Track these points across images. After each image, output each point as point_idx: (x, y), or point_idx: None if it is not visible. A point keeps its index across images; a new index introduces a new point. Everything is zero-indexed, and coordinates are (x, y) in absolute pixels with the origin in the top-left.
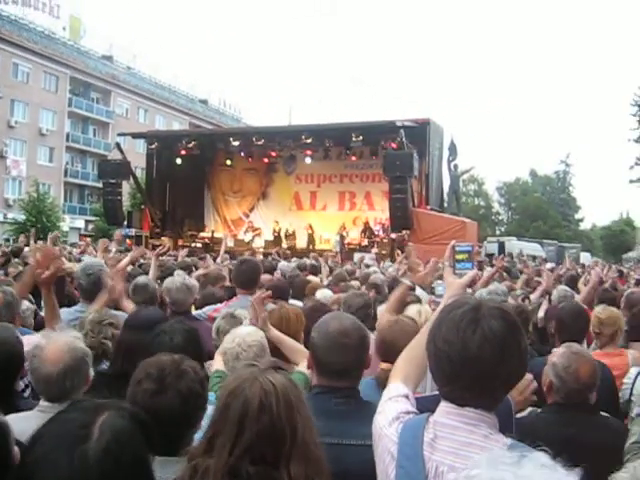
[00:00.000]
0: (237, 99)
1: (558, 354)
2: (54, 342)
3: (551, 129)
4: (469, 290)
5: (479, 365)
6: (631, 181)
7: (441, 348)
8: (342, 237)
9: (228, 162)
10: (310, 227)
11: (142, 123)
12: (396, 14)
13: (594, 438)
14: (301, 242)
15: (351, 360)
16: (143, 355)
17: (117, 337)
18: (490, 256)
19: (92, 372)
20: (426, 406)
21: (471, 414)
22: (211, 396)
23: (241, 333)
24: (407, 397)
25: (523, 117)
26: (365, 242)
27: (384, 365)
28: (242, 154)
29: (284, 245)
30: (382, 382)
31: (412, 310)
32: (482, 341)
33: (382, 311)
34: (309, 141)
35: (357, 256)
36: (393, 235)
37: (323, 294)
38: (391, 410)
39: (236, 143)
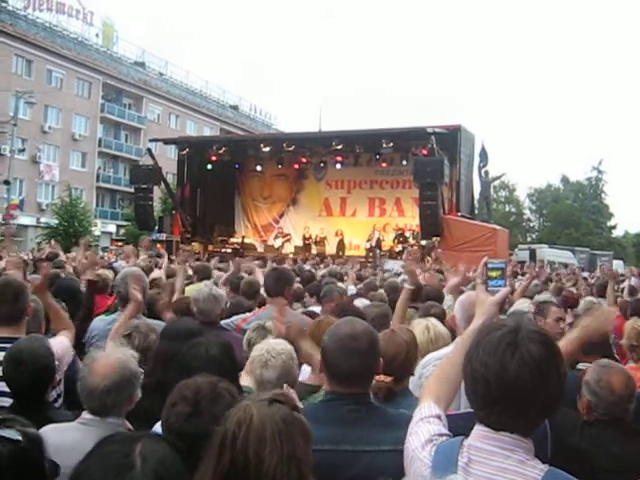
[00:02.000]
0: (268, 105)
1: (589, 371)
2: (107, 357)
3: (583, 135)
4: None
5: (517, 390)
6: None
7: (478, 370)
8: (379, 241)
9: (258, 168)
10: (341, 233)
11: (173, 129)
12: (423, 19)
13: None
14: (331, 248)
15: (360, 365)
16: (178, 366)
17: (155, 346)
18: (522, 263)
19: (139, 393)
20: (459, 424)
21: (507, 439)
22: None
23: (270, 342)
24: (440, 418)
25: (555, 123)
26: (399, 248)
27: (379, 377)
28: (272, 160)
29: (313, 251)
30: (374, 393)
31: (419, 327)
32: (521, 365)
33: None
34: (339, 147)
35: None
36: (423, 242)
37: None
38: (424, 432)
39: (266, 149)
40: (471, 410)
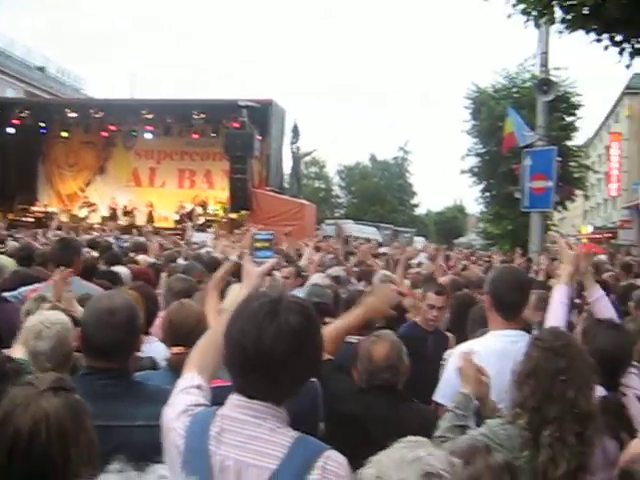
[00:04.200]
0: (78, 69)
1: (360, 341)
2: None
3: (392, 116)
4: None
5: (272, 357)
6: (462, 171)
7: (236, 337)
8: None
9: (64, 134)
10: (151, 205)
11: None
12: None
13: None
14: (141, 219)
15: (117, 339)
16: None
17: None
18: (329, 238)
19: None
20: (223, 396)
21: (260, 407)
22: None
23: (45, 312)
24: (200, 388)
25: (366, 103)
26: (202, 220)
27: (175, 349)
28: (79, 126)
29: (121, 222)
30: (173, 365)
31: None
32: (277, 333)
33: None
34: (150, 116)
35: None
36: (233, 215)
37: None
38: (180, 403)
39: (73, 115)
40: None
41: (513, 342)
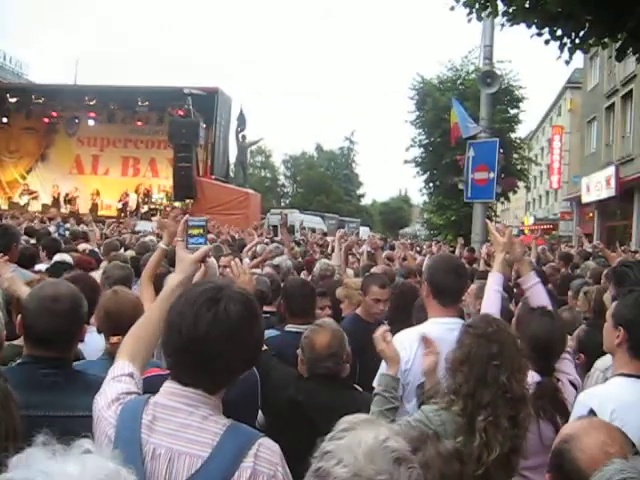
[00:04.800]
0: (21, 54)
1: (306, 331)
2: None
3: (338, 107)
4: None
5: (205, 344)
6: (405, 161)
7: (174, 320)
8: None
9: (4, 120)
10: (96, 192)
11: None
12: None
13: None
14: (83, 208)
15: (59, 327)
16: None
17: None
18: (275, 227)
19: None
20: (157, 385)
21: (192, 395)
22: None
23: None
24: (132, 376)
25: (312, 93)
26: (145, 209)
27: (114, 338)
28: (20, 112)
29: (64, 210)
30: (111, 354)
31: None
32: (213, 320)
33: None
34: (93, 103)
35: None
36: (177, 203)
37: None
38: (112, 391)
39: (13, 100)
40: (169, 371)
41: (450, 330)
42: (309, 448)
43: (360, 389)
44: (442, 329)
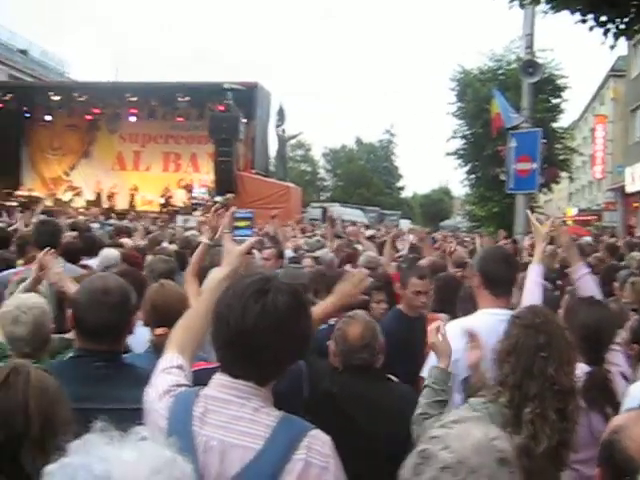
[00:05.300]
0: (61, 51)
1: (337, 322)
2: None
3: (378, 99)
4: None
5: (253, 335)
6: (447, 154)
7: (222, 312)
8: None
9: (48, 117)
10: (135, 188)
11: None
12: None
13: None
14: (123, 203)
15: (110, 320)
16: None
17: None
18: (314, 221)
19: None
20: (205, 379)
21: (243, 387)
22: None
23: (21, 297)
24: (181, 368)
25: (352, 86)
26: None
27: (158, 330)
28: (63, 110)
29: (105, 206)
30: (157, 347)
31: None
32: (261, 312)
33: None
34: (134, 99)
35: (180, 219)
36: (218, 198)
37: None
38: (162, 383)
39: (56, 98)
40: (218, 365)
41: (501, 321)
42: (344, 440)
43: (395, 379)
44: (493, 320)
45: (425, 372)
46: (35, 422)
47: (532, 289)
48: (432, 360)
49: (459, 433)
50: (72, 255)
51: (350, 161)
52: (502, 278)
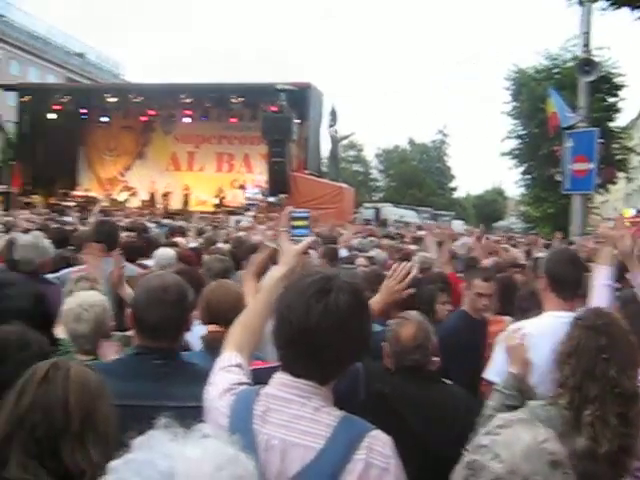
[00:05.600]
0: (116, 54)
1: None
2: None
3: (430, 100)
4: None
5: (316, 335)
6: (502, 154)
7: (283, 312)
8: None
9: (104, 119)
10: (187, 188)
11: (15, 75)
12: None
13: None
14: (177, 203)
15: (169, 317)
16: None
17: None
18: (367, 221)
19: None
20: (263, 378)
21: (304, 386)
22: None
23: (83, 294)
24: (240, 367)
25: (404, 87)
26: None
27: (211, 327)
28: (119, 111)
29: (159, 206)
30: (209, 343)
31: None
32: (324, 311)
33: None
34: (188, 101)
35: (233, 219)
36: (271, 198)
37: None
38: (222, 381)
39: (112, 100)
40: (276, 364)
41: (565, 323)
42: (395, 441)
43: (449, 382)
44: (558, 322)
45: (488, 374)
46: (75, 417)
47: (599, 291)
48: (497, 363)
49: (506, 440)
50: (131, 254)
51: (403, 162)
52: (569, 279)
